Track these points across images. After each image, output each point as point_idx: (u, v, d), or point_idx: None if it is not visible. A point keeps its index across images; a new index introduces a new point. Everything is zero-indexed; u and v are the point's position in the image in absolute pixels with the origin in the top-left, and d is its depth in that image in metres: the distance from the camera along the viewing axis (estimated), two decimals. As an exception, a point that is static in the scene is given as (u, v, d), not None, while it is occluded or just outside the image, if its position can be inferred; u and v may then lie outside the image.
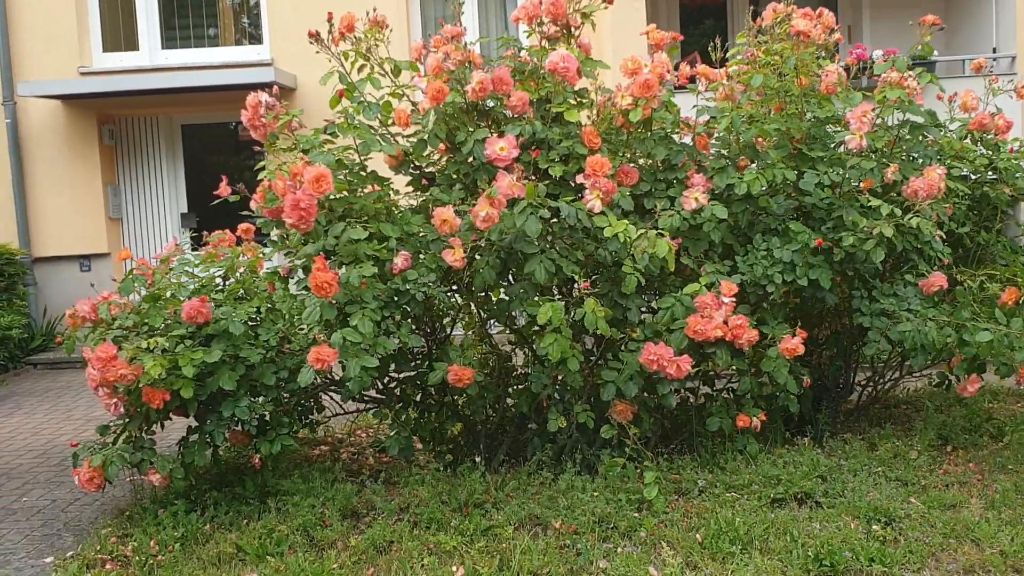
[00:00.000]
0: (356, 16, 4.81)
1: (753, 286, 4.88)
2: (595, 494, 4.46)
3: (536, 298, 4.62)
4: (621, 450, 4.77)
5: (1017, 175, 5.59)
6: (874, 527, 4.16)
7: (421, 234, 4.73)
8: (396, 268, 4.50)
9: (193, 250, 5.69)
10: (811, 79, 5.24)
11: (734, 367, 4.78)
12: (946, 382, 5.33)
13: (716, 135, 5.27)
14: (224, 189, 4.93)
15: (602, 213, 4.46)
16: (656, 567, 3.93)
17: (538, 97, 4.87)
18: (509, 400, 5.15)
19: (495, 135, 4.60)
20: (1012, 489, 4.56)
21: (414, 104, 5.02)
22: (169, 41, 10.57)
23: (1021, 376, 4.79)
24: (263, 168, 4.74)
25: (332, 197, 4.56)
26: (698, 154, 5.18)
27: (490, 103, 4.91)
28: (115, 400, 4.54)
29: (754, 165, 5.07)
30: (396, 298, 4.50)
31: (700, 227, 4.84)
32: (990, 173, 5.67)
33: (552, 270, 4.51)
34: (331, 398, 5.24)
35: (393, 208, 4.88)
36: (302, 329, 4.91)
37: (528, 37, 5.16)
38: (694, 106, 5.29)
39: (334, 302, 4.28)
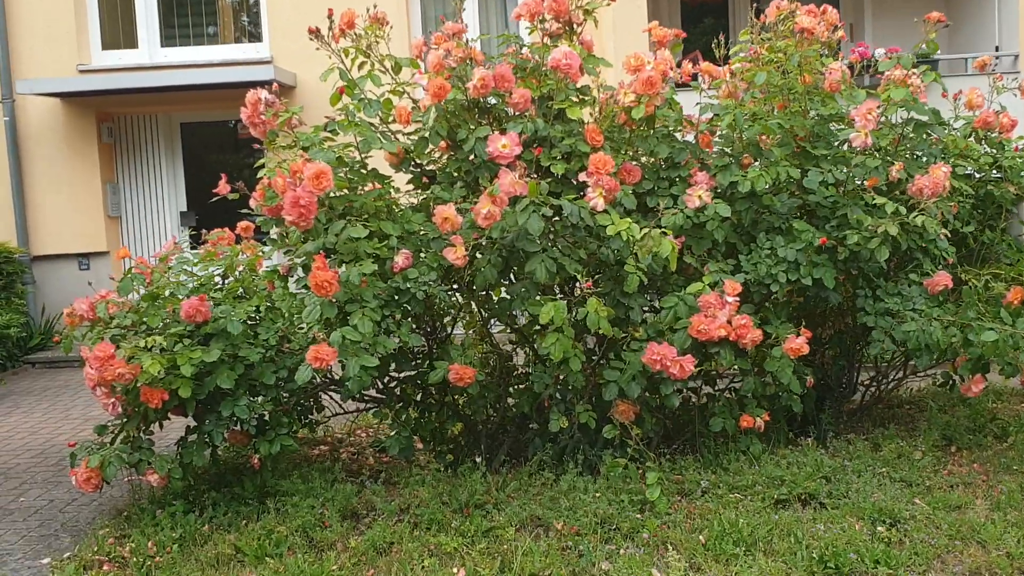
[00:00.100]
0: (356, 13, 4.77)
1: (757, 285, 4.84)
2: (597, 495, 4.42)
3: (538, 297, 4.58)
4: (623, 450, 4.74)
5: (1022, 173, 5.55)
6: (879, 528, 4.12)
7: (422, 232, 4.69)
8: (397, 266, 4.47)
9: (192, 249, 5.65)
10: (815, 77, 5.20)
11: (737, 367, 4.74)
12: (950, 382, 5.29)
13: (719, 133, 5.24)
14: (223, 187, 4.89)
15: (605, 211, 4.42)
16: (659, 569, 3.89)
17: (540, 94, 4.83)
18: (510, 400, 5.12)
19: (497, 133, 4.56)
20: (1017, 490, 4.52)
21: (415, 102, 4.98)
22: (168, 39, 10.54)
23: (1026, 376, 4.75)
24: (263, 166, 4.71)
25: (332, 195, 4.53)
26: (701, 152, 5.14)
27: (492, 100, 4.87)
28: (113, 400, 4.50)
29: (757, 163, 5.04)
30: (396, 297, 4.47)
31: (703, 225, 4.80)
32: (994, 172, 5.63)
33: (554, 269, 4.47)
34: (331, 398, 5.20)
35: (394, 206, 4.84)
36: (302, 328, 4.87)
37: (530, 34, 5.12)
38: (697, 103, 5.25)
39: (334, 301, 4.25)
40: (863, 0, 10.66)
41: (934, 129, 5.31)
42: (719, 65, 5.40)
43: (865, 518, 4.21)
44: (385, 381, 5.07)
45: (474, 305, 5.18)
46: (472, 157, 4.73)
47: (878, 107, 4.86)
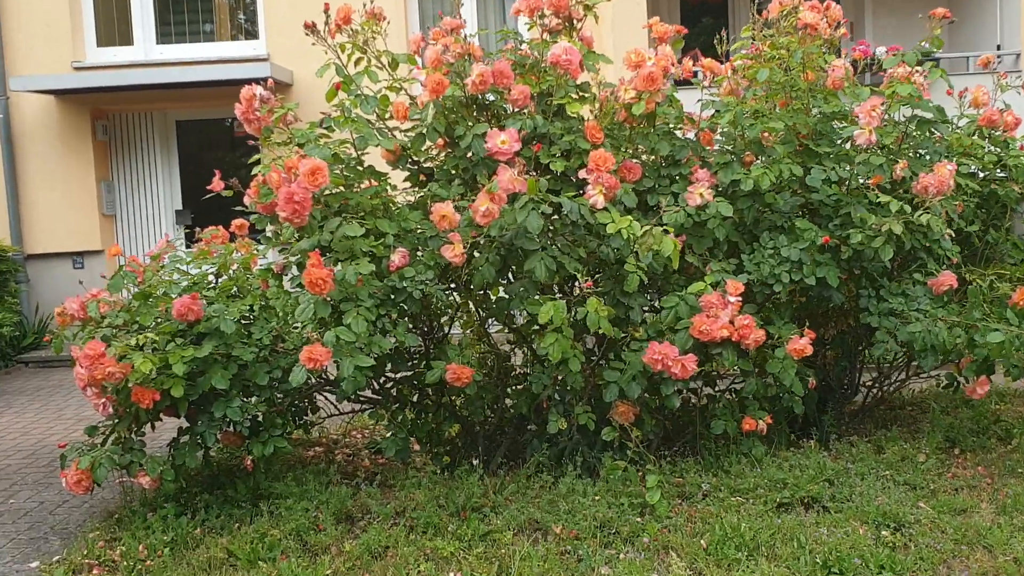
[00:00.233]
0: (353, 8, 4.70)
1: (760, 285, 4.77)
2: (596, 498, 4.34)
3: (537, 297, 4.50)
4: (623, 453, 4.66)
5: (1027, 172, 5.48)
6: (883, 533, 4.05)
7: (419, 230, 4.62)
8: (393, 265, 4.39)
9: (187, 247, 5.57)
10: (817, 74, 5.13)
11: (738, 368, 4.67)
12: (955, 384, 5.22)
13: (720, 130, 5.16)
14: (217, 184, 4.81)
15: (605, 209, 4.35)
16: (660, 574, 3.81)
17: (539, 91, 4.75)
18: (508, 401, 5.04)
19: (495, 129, 4.48)
20: (1023, 493, 4.45)
21: (412, 98, 4.91)
22: (164, 36, 10.46)
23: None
24: (258, 162, 4.63)
25: (328, 191, 4.46)
26: (702, 150, 5.07)
27: (490, 97, 4.80)
28: (104, 400, 4.43)
29: (759, 161, 4.96)
30: (393, 296, 4.39)
31: (704, 224, 4.73)
32: (998, 171, 5.56)
33: (553, 267, 4.39)
34: (326, 398, 5.13)
35: (390, 204, 4.77)
36: (296, 327, 4.79)
37: (529, 30, 5.05)
38: (698, 100, 5.18)
39: (328, 299, 4.17)
40: (863, -2, 10.61)
41: (938, 127, 5.24)
42: (722, 62, 5.33)
43: (869, 522, 4.14)
44: (381, 381, 4.99)
45: (472, 304, 5.10)
46: (470, 154, 4.65)
47: (882, 104, 4.78)
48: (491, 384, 4.93)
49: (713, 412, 4.89)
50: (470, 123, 4.68)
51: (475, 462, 4.81)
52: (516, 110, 4.69)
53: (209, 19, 10.55)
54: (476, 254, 4.57)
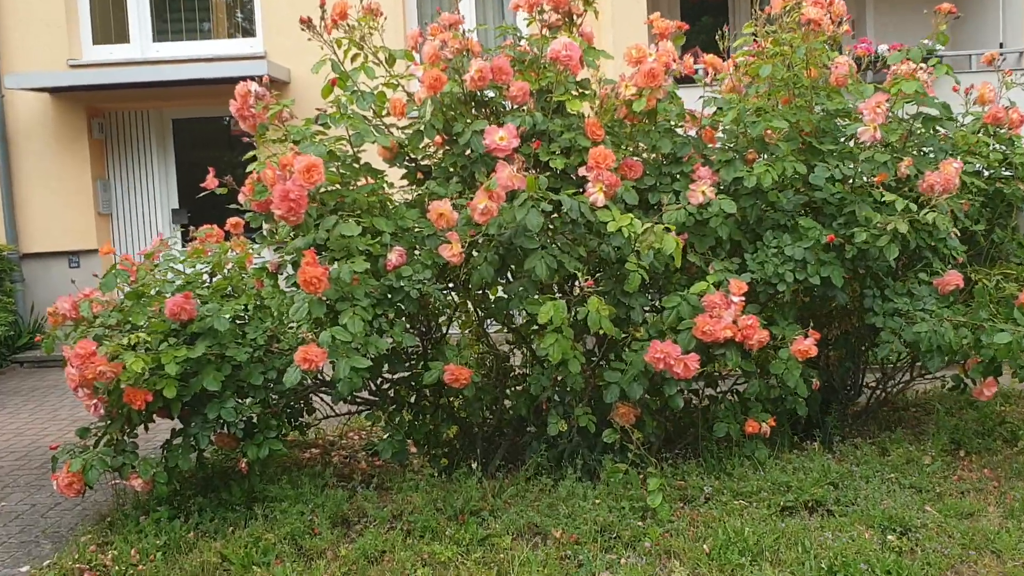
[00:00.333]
0: (349, 3, 4.62)
1: (763, 284, 4.69)
2: (597, 501, 4.27)
3: (536, 296, 4.42)
4: (623, 455, 4.58)
5: (1034, 170, 5.40)
6: (889, 537, 3.97)
7: (416, 229, 4.54)
8: (390, 264, 4.32)
9: (183, 246, 5.49)
10: (820, 71, 5.06)
11: (741, 368, 4.59)
12: (961, 385, 5.14)
13: (722, 128, 5.09)
14: (211, 181, 4.74)
15: (605, 207, 4.27)
16: (662, 579, 3.74)
17: (539, 88, 4.68)
18: (507, 402, 4.96)
19: (494, 126, 4.40)
20: (1031, 497, 4.38)
21: (409, 95, 4.83)
22: (161, 34, 10.37)
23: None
24: (253, 159, 4.55)
25: (323, 189, 4.38)
26: (704, 147, 5.00)
27: (489, 93, 4.72)
28: (95, 401, 4.35)
29: (762, 158, 4.89)
30: (390, 295, 4.32)
31: (707, 222, 4.65)
32: (1004, 169, 5.49)
33: (553, 266, 4.31)
34: (322, 399, 5.05)
35: (387, 202, 4.69)
36: (292, 327, 4.72)
37: (528, 26, 4.98)
38: (700, 97, 5.10)
39: (324, 299, 4.09)
40: (865, -4, 10.54)
41: (944, 124, 5.16)
42: (724, 59, 5.26)
43: (875, 526, 4.06)
44: (378, 382, 4.91)
45: (470, 304, 5.03)
46: (468, 151, 4.58)
47: (887, 100, 4.71)
48: (490, 385, 4.85)
49: (715, 414, 4.82)
50: (468, 120, 4.61)
51: (473, 465, 4.73)
52: (515, 107, 4.61)
53: (206, 17, 10.47)
54: (475, 253, 4.49)
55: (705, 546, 3.92)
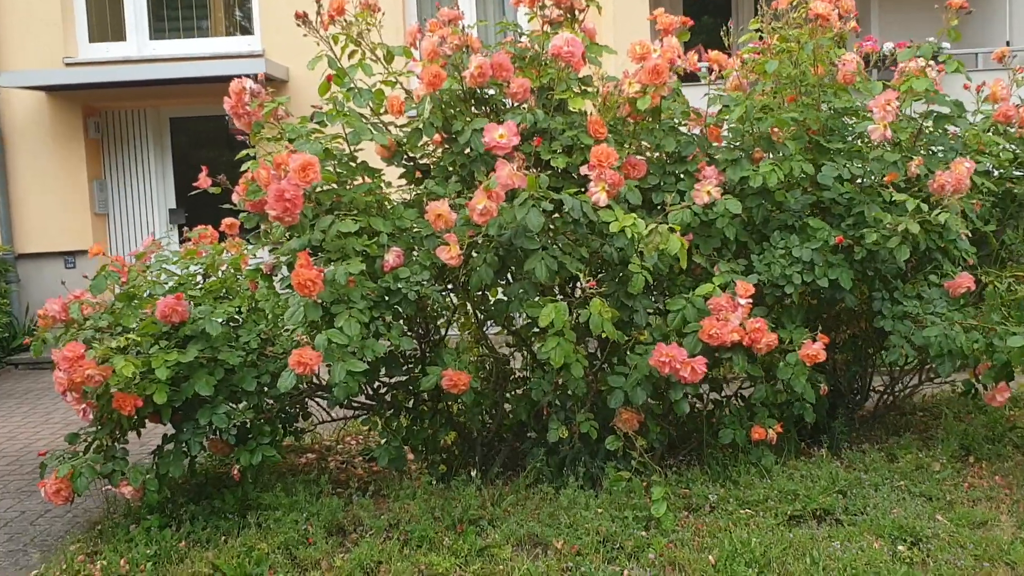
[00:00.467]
0: (347, -1, 4.51)
1: (770, 286, 4.58)
2: (599, 511, 4.15)
3: (537, 298, 4.31)
4: (626, 462, 4.47)
5: (1046, 170, 5.29)
6: (900, 548, 3.86)
7: (414, 229, 4.43)
8: (387, 265, 4.20)
9: (180, 246, 5.38)
10: (828, 68, 4.95)
11: (747, 373, 4.48)
12: (972, 390, 5.02)
13: (728, 126, 4.97)
14: (203, 180, 4.63)
15: (608, 207, 4.15)
16: (666, 592, 3.63)
17: (540, 85, 4.57)
18: (507, 406, 4.85)
19: (493, 123, 4.29)
20: (1044, 506, 4.27)
21: (408, 92, 4.72)
22: (158, 32, 10.27)
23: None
24: (247, 157, 4.44)
25: (319, 188, 4.27)
26: (709, 146, 4.88)
27: (489, 91, 4.61)
28: (84, 405, 4.24)
29: (769, 157, 4.78)
30: (387, 297, 4.20)
31: (712, 223, 4.55)
32: (1015, 168, 5.37)
33: (554, 268, 4.20)
34: (318, 404, 4.93)
35: (385, 201, 4.58)
36: (287, 330, 4.60)
37: (529, 21, 4.86)
38: (705, 94, 4.99)
39: (319, 301, 3.98)
40: (869, -6, 10.43)
41: (955, 122, 5.05)
42: (729, 55, 5.14)
43: (885, 536, 3.95)
44: (375, 387, 4.80)
45: (469, 306, 4.91)
46: (468, 150, 4.47)
47: (897, 98, 4.59)
48: (489, 389, 4.74)
49: (721, 420, 4.70)
50: (468, 118, 4.50)
51: (472, 473, 4.61)
52: (516, 104, 4.50)
53: (204, 14, 10.36)
54: (474, 254, 4.38)
55: (711, 557, 3.81)
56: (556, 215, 4.32)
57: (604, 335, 4.18)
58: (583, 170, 4.24)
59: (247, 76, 4.54)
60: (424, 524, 4.08)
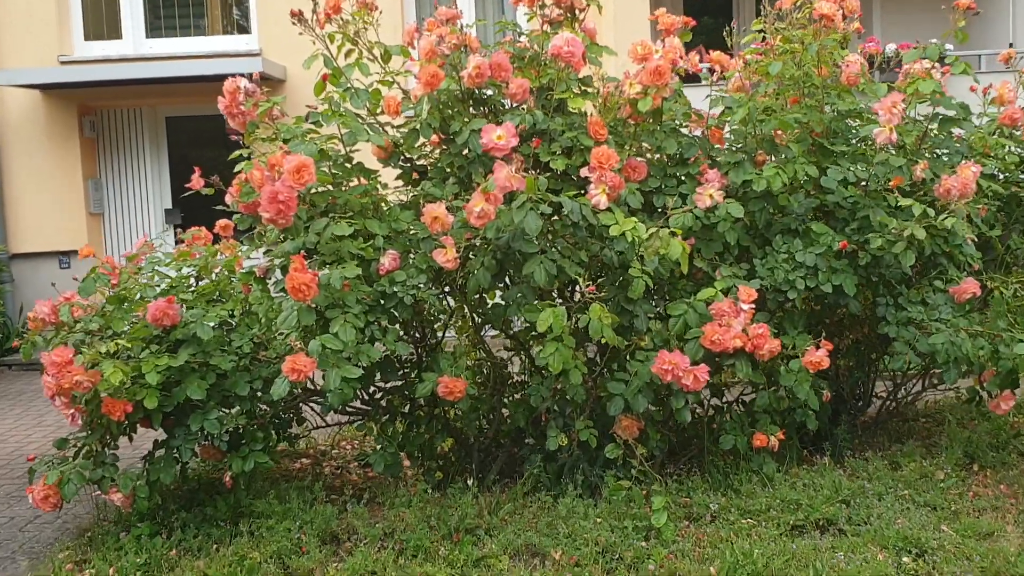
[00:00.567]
0: (345, -3, 4.43)
1: (773, 292, 4.50)
2: (598, 520, 4.06)
3: (535, 303, 4.23)
4: (626, 470, 4.38)
5: (1052, 174, 5.21)
6: (904, 559, 3.78)
7: (411, 232, 4.35)
8: (383, 269, 4.12)
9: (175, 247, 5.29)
10: (831, 70, 4.87)
11: (750, 380, 4.39)
12: (976, 397, 4.95)
13: (730, 128, 4.90)
14: (196, 181, 4.55)
15: (608, 210, 4.07)
16: (667, 604, 3.55)
17: (539, 85, 4.49)
18: (505, 412, 4.76)
19: (491, 124, 4.21)
20: (1051, 516, 4.19)
21: (405, 92, 4.64)
22: (154, 30, 10.19)
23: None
24: (241, 158, 4.36)
25: (314, 190, 4.19)
26: (711, 148, 4.81)
27: (488, 91, 4.53)
28: (73, 410, 4.16)
29: (772, 160, 4.70)
30: (383, 301, 4.12)
31: (714, 227, 4.46)
32: (1021, 172, 5.29)
33: (553, 272, 4.12)
34: (312, 409, 4.85)
35: (381, 203, 4.50)
36: (281, 334, 4.51)
37: (529, 21, 4.78)
38: (707, 96, 4.91)
39: (313, 305, 3.90)
40: (872, -5, 10.36)
41: (962, 125, 4.97)
42: (731, 56, 5.06)
43: (889, 547, 3.87)
44: (370, 392, 4.71)
45: (467, 310, 4.83)
46: (466, 151, 4.39)
47: (903, 100, 4.52)
48: (487, 394, 4.66)
49: (722, 426, 4.62)
50: (466, 118, 4.42)
51: (469, 481, 4.53)
52: (515, 105, 4.42)
53: (200, 13, 10.28)
54: (471, 257, 4.29)
55: (712, 568, 3.73)
56: (555, 218, 4.24)
57: (604, 340, 4.10)
58: (583, 172, 4.17)
59: (243, 75, 4.47)
60: (420, 533, 4.00)
